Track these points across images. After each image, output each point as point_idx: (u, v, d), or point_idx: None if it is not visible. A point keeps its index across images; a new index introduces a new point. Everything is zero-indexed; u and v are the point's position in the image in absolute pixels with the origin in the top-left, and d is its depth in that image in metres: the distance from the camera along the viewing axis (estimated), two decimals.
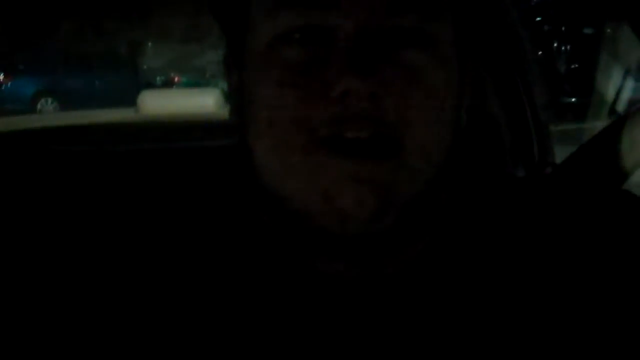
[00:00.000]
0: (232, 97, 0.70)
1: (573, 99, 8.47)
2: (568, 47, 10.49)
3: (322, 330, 0.64)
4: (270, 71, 0.62)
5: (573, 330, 0.65)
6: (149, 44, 13.47)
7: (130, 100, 2.89)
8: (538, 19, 10.59)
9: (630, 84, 2.06)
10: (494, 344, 0.65)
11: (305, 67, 0.61)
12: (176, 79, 12.01)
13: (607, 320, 0.66)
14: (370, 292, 0.65)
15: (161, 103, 2.79)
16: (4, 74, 12.69)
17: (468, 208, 0.71)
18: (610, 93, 2.11)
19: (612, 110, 2.05)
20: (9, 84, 12.65)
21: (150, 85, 11.05)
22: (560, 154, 1.69)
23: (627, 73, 2.12)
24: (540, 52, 9.05)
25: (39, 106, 11.82)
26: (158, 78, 12.12)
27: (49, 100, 11.99)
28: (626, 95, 2.02)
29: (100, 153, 1.84)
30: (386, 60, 0.59)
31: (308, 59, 0.61)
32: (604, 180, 1.17)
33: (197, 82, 10.47)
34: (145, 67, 13.39)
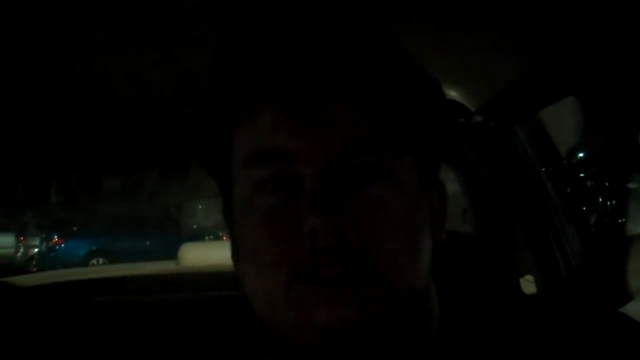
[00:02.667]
0: (231, 244, 0.76)
1: None
2: (613, 202, 10.44)
3: None
4: (250, 219, 0.69)
5: None
6: (200, 206, 13.84)
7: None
8: (581, 175, 10.64)
9: None
10: None
11: (278, 212, 0.67)
12: (224, 237, 12.25)
13: None
14: None
15: (200, 255, 2.85)
16: (57, 236, 13.09)
17: (466, 325, 0.73)
18: None
19: None
20: (62, 245, 13.00)
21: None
22: None
23: None
24: (584, 208, 9.02)
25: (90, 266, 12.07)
26: (207, 237, 12.36)
27: (100, 260, 12.25)
28: None
29: (136, 303, 1.91)
30: (348, 195, 0.65)
31: (280, 204, 0.67)
32: (606, 300, 1.18)
33: None
34: (195, 227, 13.69)
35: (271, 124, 0.67)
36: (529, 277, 1.87)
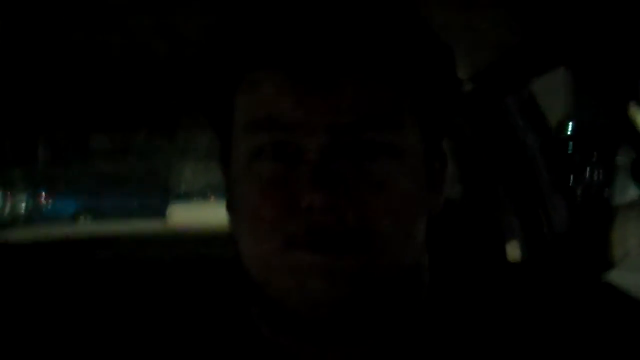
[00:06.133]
0: (227, 192, 0.74)
1: None
2: (600, 175, 10.49)
3: None
4: (248, 183, 0.67)
5: None
6: (188, 168, 13.83)
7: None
8: (569, 149, 10.66)
9: None
10: None
11: (276, 182, 0.65)
12: (212, 198, 12.23)
13: None
14: None
15: (188, 215, 2.87)
16: (45, 193, 13.06)
17: (454, 290, 0.75)
18: None
19: None
20: (50, 203, 12.98)
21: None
22: None
23: None
24: (572, 179, 9.06)
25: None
26: (195, 199, 12.37)
27: (88, 218, 12.25)
28: None
29: (123, 261, 1.93)
30: (350, 172, 0.64)
31: (279, 174, 0.65)
32: (591, 266, 1.20)
33: None
34: (183, 188, 13.68)
35: (275, 90, 0.65)
36: (514, 243, 1.90)
